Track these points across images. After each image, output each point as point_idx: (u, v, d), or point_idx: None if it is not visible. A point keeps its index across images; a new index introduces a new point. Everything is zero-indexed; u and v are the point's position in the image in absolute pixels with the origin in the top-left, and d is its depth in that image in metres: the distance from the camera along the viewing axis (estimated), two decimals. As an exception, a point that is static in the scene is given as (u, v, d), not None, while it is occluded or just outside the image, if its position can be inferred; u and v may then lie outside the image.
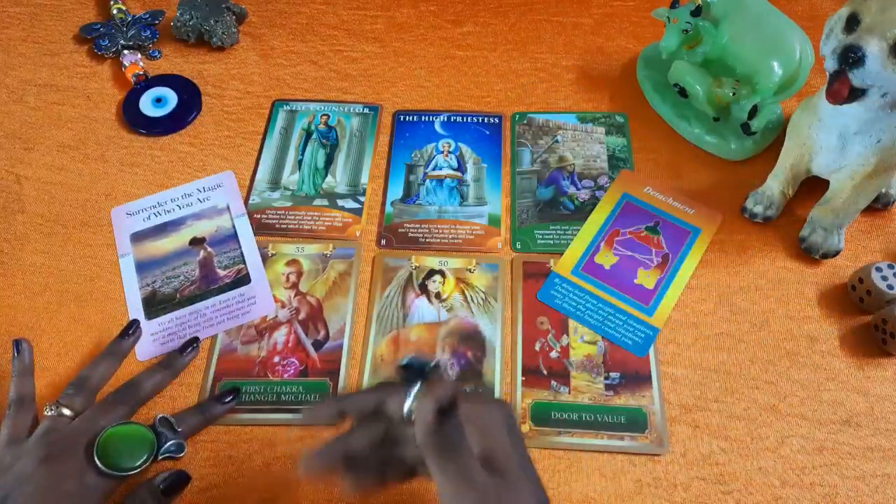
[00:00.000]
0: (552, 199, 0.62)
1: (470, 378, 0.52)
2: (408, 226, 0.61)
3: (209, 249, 0.59)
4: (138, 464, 0.45)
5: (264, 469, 0.49)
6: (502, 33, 0.75)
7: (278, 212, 0.62)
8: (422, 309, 0.56)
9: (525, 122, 0.68)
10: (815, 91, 0.56)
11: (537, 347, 0.54)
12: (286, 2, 0.78)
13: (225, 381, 0.52)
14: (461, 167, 0.65)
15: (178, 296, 0.56)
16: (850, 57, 0.45)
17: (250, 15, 0.76)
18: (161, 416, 0.48)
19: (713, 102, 0.63)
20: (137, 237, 0.60)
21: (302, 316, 0.56)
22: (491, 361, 0.53)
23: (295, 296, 0.57)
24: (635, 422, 0.50)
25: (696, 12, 0.62)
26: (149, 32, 0.74)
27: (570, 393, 0.52)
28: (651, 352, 0.54)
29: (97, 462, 0.43)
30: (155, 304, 0.56)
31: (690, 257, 0.58)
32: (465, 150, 0.66)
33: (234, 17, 0.74)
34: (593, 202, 0.62)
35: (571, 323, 0.55)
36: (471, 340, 0.54)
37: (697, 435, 0.50)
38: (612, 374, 0.53)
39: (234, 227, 0.60)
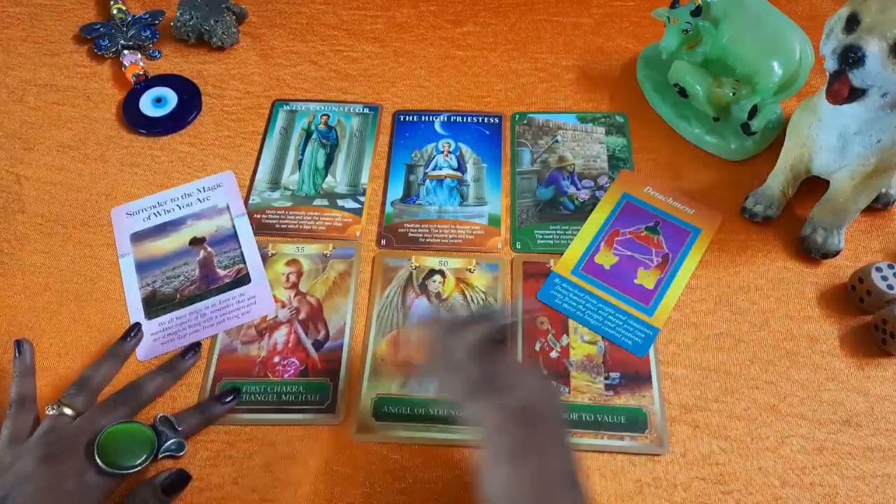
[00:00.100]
0: (552, 199, 0.62)
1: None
2: (408, 226, 0.61)
3: (209, 249, 0.59)
4: (138, 462, 0.45)
5: (264, 469, 0.49)
6: (502, 33, 0.75)
7: (278, 212, 0.62)
8: (422, 309, 0.56)
9: (525, 122, 0.68)
10: (815, 91, 0.56)
11: (537, 347, 0.54)
12: (286, 2, 0.78)
13: (225, 381, 0.52)
14: (461, 167, 0.65)
15: (178, 296, 0.56)
16: (850, 57, 0.45)
17: (250, 15, 0.76)
18: (161, 415, 0.48)
19: (713, 102, 0.63)
20: (137, 237, 0.60)
21: (302, 316, 0.56)
22: (491, 361, 0.53)
23: (295, 296, 0.57)
24: (635, 422, 0.50)
25: (696, 12, 0.62)
26: (149, 32, 0.74)
27: (570, 393, 0.52)
28: (651, 352, 0.54)
29: (98, 460, 0.43)
30: (155, 304, 0.56)
31: (690, 257, 0.58)
32: (465, 150, 0.66)
33: (234, 17, 0.74)
34: (593, 202, 0.62)
35: (571, 323, 0.55)
36: (471, 340, 0.54)
37: (697, 435, 0.50)
38: (612, 374, 0.53)
39: (234, 227, 0.60)
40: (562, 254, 0.59)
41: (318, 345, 0.54)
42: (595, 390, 0.52)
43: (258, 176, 0.64)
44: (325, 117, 0.68)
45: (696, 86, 0.63)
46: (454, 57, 0.73)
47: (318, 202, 0.62)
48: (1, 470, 0.43)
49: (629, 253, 0.59)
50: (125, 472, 0.44)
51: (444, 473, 0.49)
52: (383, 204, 0.62)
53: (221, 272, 0.58)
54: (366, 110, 0.69)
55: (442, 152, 0.66)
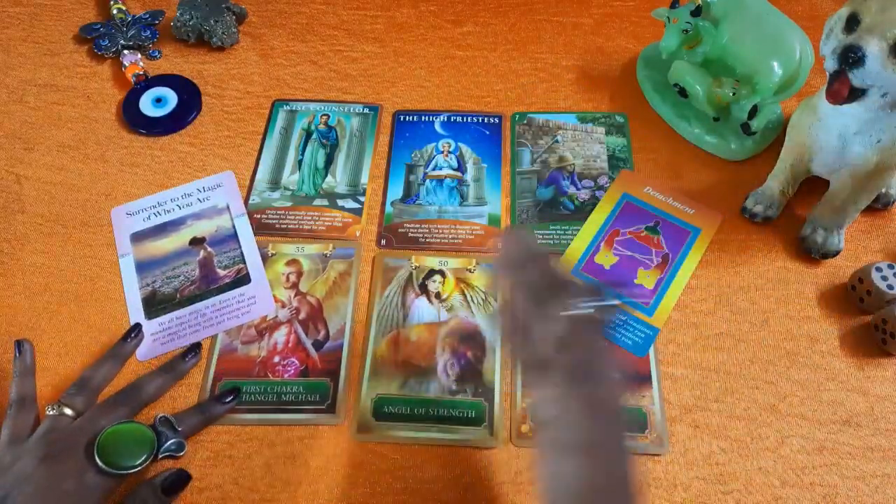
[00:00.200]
0: (552, 199, 0.62)
1: (469, 379, 0.52)
2: (408, 226, 0.61)
3: (209, 249, 0.59)
4: (138, 463, 0.45)
5: (264, 469, 0.49)
6: (502, 33, 0.75)
7: (278, 212, 0.62)
8: (422, 309, 0.56)
9: (525, 122, 0.68)
10: (815, 91, 0.56)
11: (537, 347, 0.54)
12: (286, 2, 0.78)
13: (225, 381, 0.52)
14: (461, 167, 0.65)
15: (178, 296, 0.56)
16: (850, 57, 0.45)
17: (250, 15, 0.76)
18: (161, 415, 0.48)
19: (713, 102, 0.63)
20: (137, 237, 0.60)
21: (302, 316, 0.56)
22: (491, 361, 0.53)
23: (295, 296, 0.57)
24: (635, 422, 0.50)
25: (696, 12, 0.62)
26: (149, 32, 0.74)
27: (570, 393, 0.52)
28: (651, 352, 0.54)
29: (98, 461, 0.43)
30: (155, 304, 0.56)
31: (690, 257, 0.58)
32: (465, 150, 0.66)
33: (234, 17, 0.74)
34: (593, 202, 0.62)
35: (571, 323, 0.55)
36: (471, 340, 0.54)
37: (697, 435, 0.50)
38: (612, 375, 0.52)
39: (234, 226, 0.60)
40: (562, 254, 0.59)
41: (318, 345, 0.54)
42: (595, 390, 0.52)
43: (258, 176, 0.64)
44: (325, 117, 0.68)
45: (696, 86, 0.63)
46: (454, 57, 0.73)
47: (318, 202, 0.62)
48: (1, 470, 0.43)
49: (629, 253, 0.59)
50: (125, 472, 0.44)
51: (444, 473, 0.49)
52: (383, 204, 0.62)
53: (221, 272, 0.58)
54: (366, 110, 0.69)
55: (442, 152, 0.66)
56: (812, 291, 0.57)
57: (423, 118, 0.68)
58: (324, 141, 0.67)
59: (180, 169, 0.64)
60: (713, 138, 0.64)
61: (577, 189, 0.63)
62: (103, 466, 0.43)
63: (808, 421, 0.51)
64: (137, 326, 0.54)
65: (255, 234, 0.60)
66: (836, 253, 0.58)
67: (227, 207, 0.62)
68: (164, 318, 0.55)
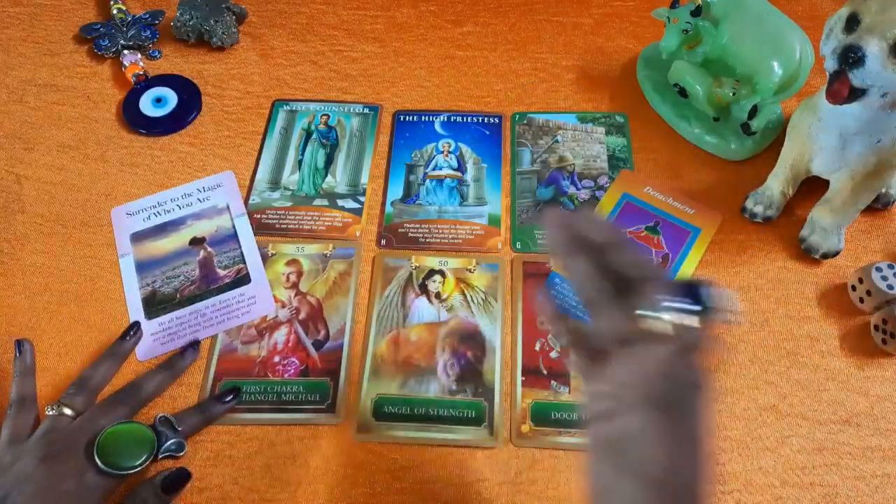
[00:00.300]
0: (552, 199, 0.62)
1: (469, 379, 0.52)
2: (408, 226, 0.61)
3: (209, 249, 0.59)
4: (138, 463, 0.45)
5: (264, 469, 0.49)
6: (502, 33, 0.75)
7: (278, 212, 0.62)
8: (422, 309, 0.56)
9: (525, 122, 0.68)
10: (815, 91, 0.56)
11: (537, 347, 0.54)
12: (286, 2, 0.78)
13: (225, 381, 0.52)
14: (461, 167, 0.65)
15: (178, 296, 0.56)
16: (850, 57, 0.45)
17: (250, 15, 0.76)
18: (161, 415, 0.48)
19: (713, 102, 0.63)
20: (137, 237, 0.60)
21: (302, 316, 0.56)
22: (491, 361, 0.53)
23: (295, 296, 0.57)
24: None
25: (696, 12, 0.62)
26: (149, 32, 0.74)
27: (570, 393, 0.52)
28: (651, 352, 0.54)
29: (97, 461, 0.43)
30: (155, 304, 0.56)
31: (690, 257, 0.58)
32: (465, 150, 0.66)
33: (234, 17, 0.74)
34: (593, 202, 0.62)
35: (571, 323, 0.55)
36: (471, 340, 0.54)
37: (697, 435, 0.50)
38: (612, 374, 0.53)
39: (234, 226, 0.60)
40: (562, 254, 0.59)
41: (318, 345, 0.54)
42: (595, 390, 0.52)
43: (258, 176, 0.64)
44: (325, 117, 0.68)
45: (696, 86, 0.63)
46: (454, 57, 0.73)
47: (318, 202, 0.62)
48: (1, 470, 0.43)
49: (629, 253, 0.59)
50: (125, 472, 0.44)
51: (444, 473, 0.49)
52: (383, 204, 0.62)
53: (221, 272, 0.58)
54: (366, 110, 0.69)
55: (442, 152, 0.66)
56: (812, 291, 0.57)
57: (423, 118, 0.68)
58: (324, 141, 0.67)
59: (180, 169, 0.64)
60: (713, 138, 0.64)
61: (577, 189, 0.63)
62: (103, 467, 0.43)
63: (808, 421, 0.51)
64: (136, 324, 0.54)
65: (255, 234, 0.60)
66: (836, 253, 0.58)
67: (227, 207, 0.62)
68: (164, 318, 0.55)
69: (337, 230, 0.60)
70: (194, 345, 0.53)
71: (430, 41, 0.75)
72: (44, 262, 0.58)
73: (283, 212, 0.62)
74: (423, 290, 0.57)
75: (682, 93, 0.66)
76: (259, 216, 0.61)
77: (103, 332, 0.54)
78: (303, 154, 0.66)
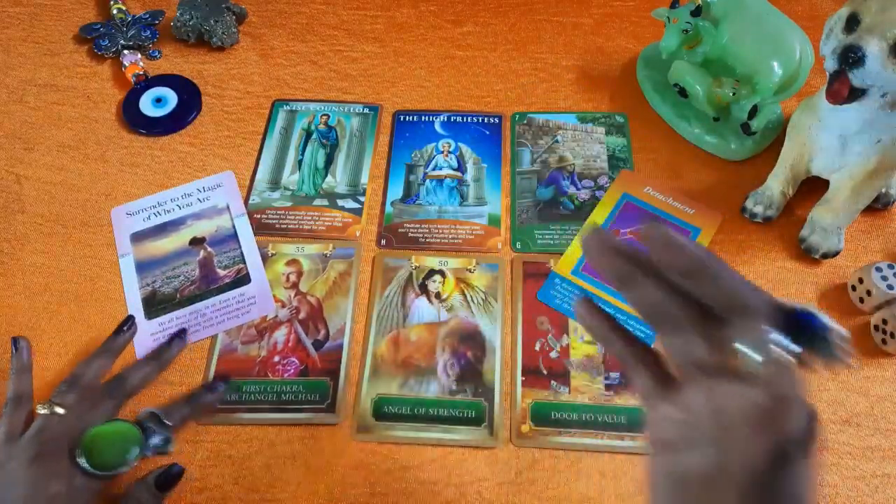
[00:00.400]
0: (552, 199, 0.62)
1: (469, 379, 0.52)
2: (408, 226, 0.61)
3: (209, 249, 0.59)
4: (125, 461, 0.44)
5: (264, 469, 0.49)
6: (502, 33, 0.75)
7: (278, 212, 0.62)
8: (422, 309, 0.56)
9: (525, 122, 0.68)
10: (815, 91, 0.56)
11: (537, 347, 0.54)
12: (286, 2, 0.78)
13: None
14: (461, 167, 0.65)
15: (178, 296, 0.56)
16: (850, 57, 0.45)
17: (250, 15, 0.76)
18: (147, 409, 0.47)
19: (713, 102, 0.63)
20: (137, 237, 0.60)
21: (302, 316, 0.56)
22: (491, 361, 0.53)
23: (295, 295, 0.57)
24: (635, 422, 0.50)
25: (696, 12, 0.62)
26: (149, 32, 0.74)
27: (570, 393, 0.52)
28: (651, 352, 0.54)
29: (83, 463, 0.43)
30: (155, 304, 0.56)
31: (690, 257, 0.58)
32: (465, 150, 0.66)
33: (234, 17, 0.74)
34: (593, 202, 0.62)
35: (571, 323, 0.55)
36: (471, 340, 0.54)
37: (697, 435, 0.50)
38: (612, 374, 0.53)
39: (234, 227, 0.60)
40: (562, 254, 0.59)
41: (318, 344, 0.54)
42: (595, 390, 0.52)
43: (258, 176, 0.64)
44: (325, 117, 0.68)
45: (696, 86, 0.63)
46: (454, 57, 0.73)
47: (318, 202, 0.62)
48: None
49: (629, 253, 0.59)
50: (112, 472, 0.44)
51: (444, 473, 0.49)
52: (383, 204, 0.62)
53: (221, 272, 0.58)
54: (366, 110, 0.69)
55: (442, 152, 0.66)
56: (812, 291, 0.57)
57: (423, 118, 0.68)
58: (324, 141, 0.67)
59: (180, 169, 0.64)
60: (713, 138, 0.64)
61: (577, 189, 0.63)
62: (90, 468, 0.43)
63: (808, 421, 0.51)
64: (130, 318, 0.53)
65: (255, 234, 0.60)
66: (836, 253, 0.57)
67: (227, 207, 0.62)
68: (164, 318, 0.55)
69: (337, 230, 0.60)
70: (181, 334, 0.52)
71: (430, 41, 0.75)
72: (44, 262, 0.58)
73: (283, 212, 0.62)
74: (423, 290, 0.57)
75: (682, 93, 0.66)
76: (259, 216, 0.61)
77: (103, 332, 0.54)
78: (303, 154, 0.66)
